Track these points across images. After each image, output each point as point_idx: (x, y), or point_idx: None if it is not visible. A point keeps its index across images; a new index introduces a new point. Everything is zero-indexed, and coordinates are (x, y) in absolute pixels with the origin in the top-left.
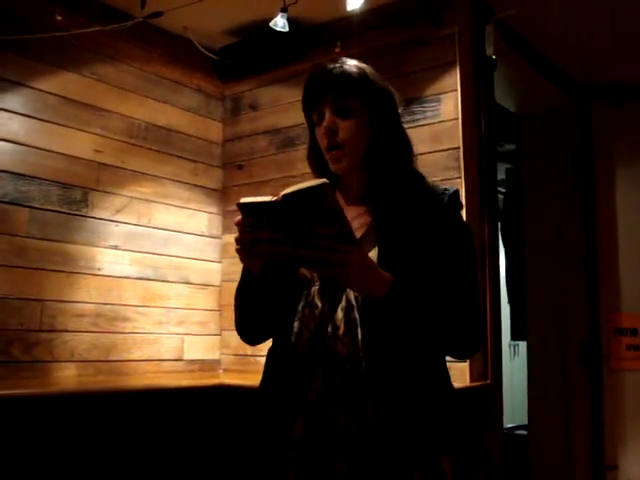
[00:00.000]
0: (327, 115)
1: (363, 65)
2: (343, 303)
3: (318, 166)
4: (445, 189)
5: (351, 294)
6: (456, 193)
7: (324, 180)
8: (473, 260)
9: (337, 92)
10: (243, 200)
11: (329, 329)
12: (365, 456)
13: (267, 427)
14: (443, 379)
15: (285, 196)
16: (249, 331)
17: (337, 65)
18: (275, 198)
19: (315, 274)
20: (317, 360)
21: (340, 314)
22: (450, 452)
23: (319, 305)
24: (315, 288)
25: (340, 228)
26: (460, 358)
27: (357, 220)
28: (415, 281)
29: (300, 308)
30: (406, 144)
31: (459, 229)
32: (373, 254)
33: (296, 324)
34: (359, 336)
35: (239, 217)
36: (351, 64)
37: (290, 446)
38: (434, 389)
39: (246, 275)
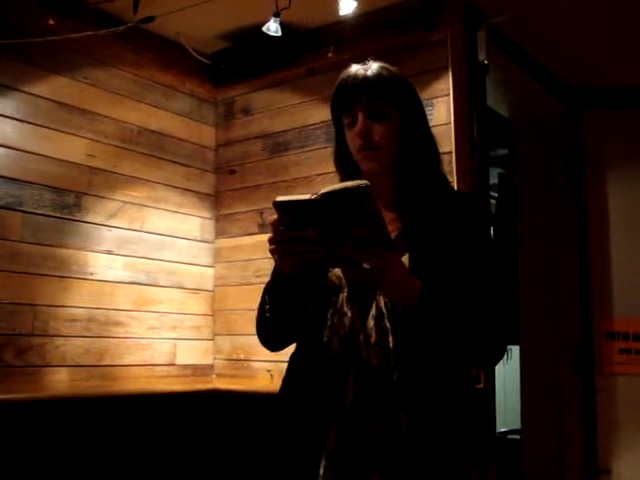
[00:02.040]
0: (360, 118)
1: (392, 67)
2: (373, 311)
3: (345, 168)
4: (471, 196)
5: (381, 302)
6: (482, 200)
7: (365, 182)
8: (503, 268)
9: (371, 96)
10: (280, 198)
11: (361, 337)
12: (400, 466)
13: (298, 439)
14: (470, 386)
15: (324, 195)
16: (272, 336)
17: (368, 68)
18: (314, 196)
19: (344, 280)
20: (348, 369)
21: (371, 322)
22: (479, 461)
23: (348, 313)
24: (344, 295)
25: (379, 232)
26: (484, 367)
27: (387, 226)
28: (446, 289)
29: (329, 315)
30: (434, 146)
31: (488, 237)
32: (404, 260)
33: (325, 332)
34: (390, 344)
35: (274, 216)
36: (381, 66)
37: (324, 458)
38: (464, 397)
39: (277, 276)
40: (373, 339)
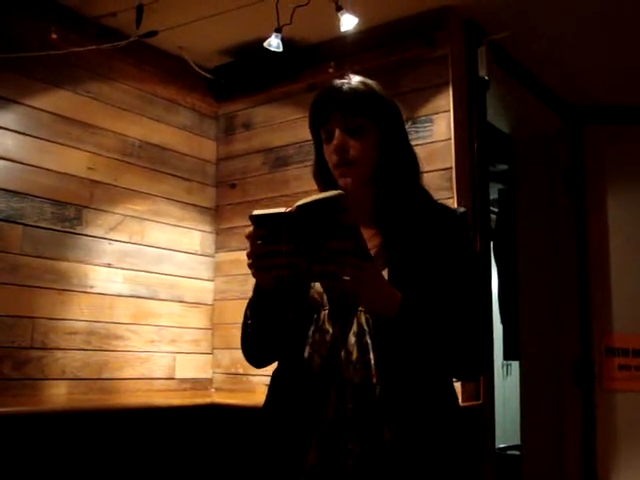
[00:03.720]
0: (337, 133)
1: (371, 82)
2: (354, 328)
3: (325, 183)
4: (454, 209)
5: (362, 318)
6: (465, 214)
7: (340, 192)
8: (482, 282)
9: (347, 111)
10: (256, 212)
11: (342, 354)
12: None
13: (278, 454)
14: (453, 401)
15: (299, 207)
16: (256, 352)
17: (346, 83)
18: (289, 209)
19: (325, 298)
20: (329, 386)
21: (352, 339)
22: (465, 477)
23: (330, 330)
24: (325, 312)
25: (354, 243)
26: (467, 379)
27: (367, 242)
28: (425, 301)
29: (310, 332)
30: (413, 161)
31: (468, 250)
32: (384, 275)
33: (306, 349)
34: (372, 361)
35: (250, 229)
36: (359, 81)
37: (304, 474)
38: (446, 411)
39: (257, 291)
40: (354, 356)
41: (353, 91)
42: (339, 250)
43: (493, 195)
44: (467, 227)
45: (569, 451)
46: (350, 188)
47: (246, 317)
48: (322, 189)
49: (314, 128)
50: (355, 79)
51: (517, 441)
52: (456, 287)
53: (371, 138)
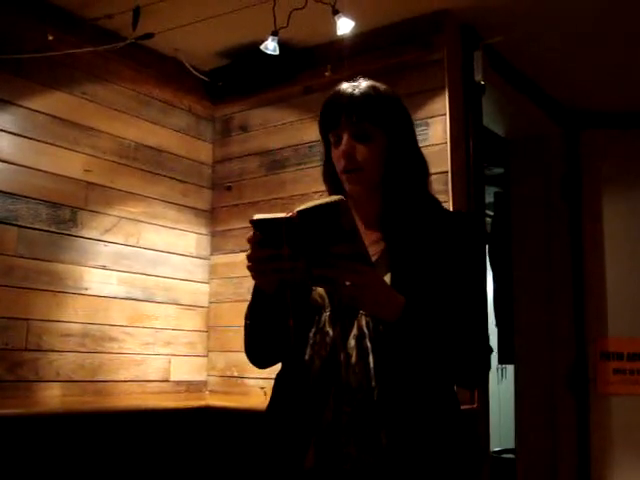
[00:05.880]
0: (345, 138)
1: (381, 86)
2: (355, 331)
3: (334, 186)
4: (461, 215)
5: (363, 321)
6: (471, 220)
7: (340, 197)
8: (484, 289)
9: (356, 116)
10: (257, 216)
11: (341, 357)
12: None
13: (277, 456)
14: (453, 406)
15: (300, 212)
16: (258, 353)
17: (356, 87)
18: (290, 214)
19: (327, 300)
20: (328, 389)
21: (352, 342)
22: None
23: (330, 332)
24: (326, 314)
25: (355, 248)
26: (464, 387)
27: (371, 247)
28: (427, 307)
29: (311, 334)
30: (422, 167)
31: (476, 257)
32: (386, 280)
33: (307, 351)
34: (371, 364)
35: (251, 233)
36: (369, 86)
37: (302, 477)
38: (446, 417)
39: (257, 294)
40: (354, 359)
41: (363, 96)
42: (339, 255)
43: (489, 198)
44: (478, 234)
45: (564, 454)
46: (358, 194)
47: (247, 319)
48: (331, 192)
49: (323, 131)
50: (365, 84)
51: (512, 444)
52: (458, 294)
53: (379, 144)
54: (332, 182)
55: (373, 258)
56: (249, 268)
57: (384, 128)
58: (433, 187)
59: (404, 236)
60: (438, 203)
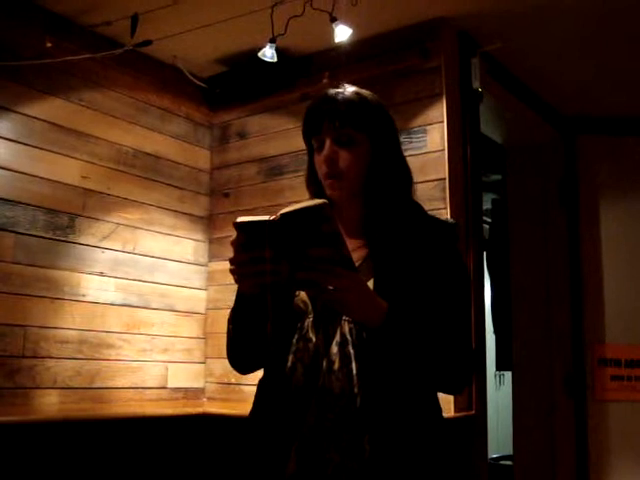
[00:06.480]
0: (327, 144)
1: (366, 93)
2: (338, 337)
3: (316, 191)
4: (444, 221)
5: (346, 327)
6: (454, 226)
7: (324, 200)
8: (467, 295)
9: (339, 122)
10: (240, 219)
11: (324, 364)
12: None
13: (259, 462)
14: (436, 412)
15: (283, 215)
16: (240, 359)
17: (340, 93)
18: (273, 217)
19: (309, 306)
20: (311, 395)
21: (335, 348)
22: None
23: (313, 338)
24: (309, 320)
25: (338, 251)
26: (450, 392)
27: (354, 253)
28: (410, 312)
29: (294, 341)
30: (406, 174)
31: (455, 262)
32: (369, 285)
33: (290, 357)
34: (354, 371)
35: (234, 236)
36: (353, 92)
37: None
38: (428, 423)
39: (240, 298)
40: (336, 365)
41: (346, 102)
42: (322, 258)
43: (486, 205)
44: (455, 238)
45: (562, 461)
46: (340, 200)
47: (229, 323)
48: (313, 197)
49: (306, 136)
50: (350, 89)
51: (510, 451)
52: (441, 299)
53: (362, 150)
54: (315, 187)
55: (356, 264)
56: (232, 271)
57: (367, 134)
58: (429, 193)
59: (387, 242)
60: (421, 209)
